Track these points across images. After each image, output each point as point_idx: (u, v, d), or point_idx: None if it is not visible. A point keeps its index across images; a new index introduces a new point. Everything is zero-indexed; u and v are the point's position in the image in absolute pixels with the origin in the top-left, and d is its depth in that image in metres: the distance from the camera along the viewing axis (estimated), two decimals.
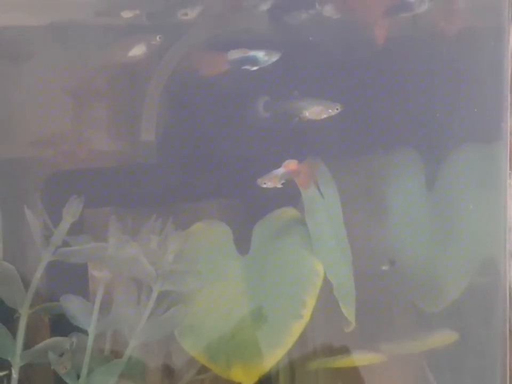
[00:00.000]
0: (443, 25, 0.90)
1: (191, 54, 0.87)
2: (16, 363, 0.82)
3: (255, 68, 0.85)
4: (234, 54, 0.84)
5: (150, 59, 0.87)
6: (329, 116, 0.86)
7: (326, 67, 0.88)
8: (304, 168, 0.85)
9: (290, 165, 0.84)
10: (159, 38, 0.86)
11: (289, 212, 0.90)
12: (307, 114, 0.85)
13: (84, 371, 0.82)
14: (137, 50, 0.86)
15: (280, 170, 0.83)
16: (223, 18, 0.87)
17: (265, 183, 0.83)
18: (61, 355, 0.81)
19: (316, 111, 0.85)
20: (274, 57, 0.85)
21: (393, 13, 0.88)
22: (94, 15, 0.86)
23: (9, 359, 0.82)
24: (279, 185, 0.84)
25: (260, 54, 0.84)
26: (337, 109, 0.86)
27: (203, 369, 0.87)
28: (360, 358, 0.91)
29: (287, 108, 0.87)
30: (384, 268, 0.89)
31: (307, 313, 0.83)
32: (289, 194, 0.88)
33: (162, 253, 0.83)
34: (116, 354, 0.84)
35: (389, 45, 0.89)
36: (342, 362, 0.91)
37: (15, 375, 0.81)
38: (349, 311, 0.85)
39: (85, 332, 0.82)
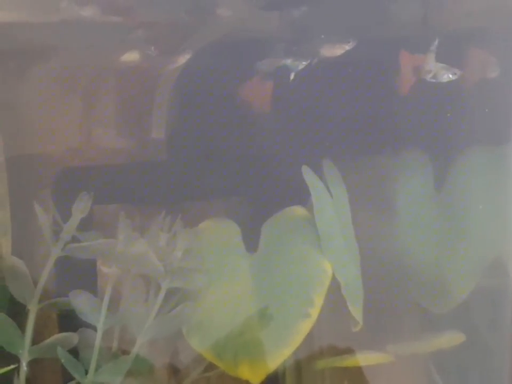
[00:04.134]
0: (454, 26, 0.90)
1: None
2: (25, 358, 0.82)
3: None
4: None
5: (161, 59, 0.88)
6: (345, 51, 0.85)
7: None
8: None
9: None
10: (153, 49, 0.86)
11: (298, 211, 0.89)
12: (323, 51, 0.85)
13: (92, 367, 0.82)
14: (129, 57, 0.86)
15: None
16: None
17: None
18: None
19: (329, 47, 0.85)
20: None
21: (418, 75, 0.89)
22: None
23: (18, 353, 0.82)
24: None
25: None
26: (349, 42, 0.85)
27: (210, 367, 0.88)
28: (367, 358, 0.91)
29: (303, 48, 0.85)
30: None
31: (315, 312, 0.83)
32: (298, 193, 0.88)
33: (171, 250, 0.83)
34: (124, 351, 0.84)
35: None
36: (349, 361, 0.91)
37: (25, 367, 0.82)
38: (356, 310, 0.85)
39: (94, 328, 0.83)
